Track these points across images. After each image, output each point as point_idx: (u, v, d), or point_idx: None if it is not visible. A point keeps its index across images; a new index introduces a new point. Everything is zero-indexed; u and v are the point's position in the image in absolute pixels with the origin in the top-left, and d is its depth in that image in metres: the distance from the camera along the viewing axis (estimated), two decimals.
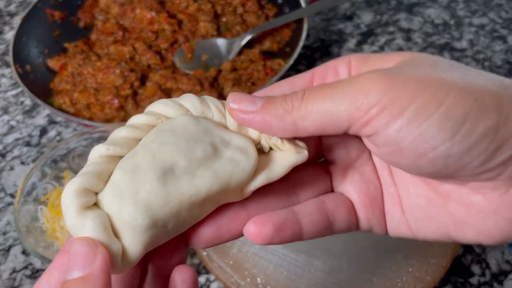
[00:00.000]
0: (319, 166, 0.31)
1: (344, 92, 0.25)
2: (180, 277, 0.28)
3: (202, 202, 0.26)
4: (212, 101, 0.28)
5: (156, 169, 0.25)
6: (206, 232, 0.27)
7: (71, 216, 0.24)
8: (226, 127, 0.28)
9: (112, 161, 0.26)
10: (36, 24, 0.73)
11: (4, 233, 0.58)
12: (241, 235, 0.28)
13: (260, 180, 0.27)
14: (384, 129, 0.24)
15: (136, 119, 0.28)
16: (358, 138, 0.30)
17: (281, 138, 0.27)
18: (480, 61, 0.73)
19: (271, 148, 0.28)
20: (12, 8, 0.87)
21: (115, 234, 0.25)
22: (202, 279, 0.53)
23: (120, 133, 0.27)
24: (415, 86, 0.24)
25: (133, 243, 0.25)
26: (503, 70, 0.72)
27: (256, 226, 0.27)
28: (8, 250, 0.56)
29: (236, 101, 0.27)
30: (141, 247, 0.25)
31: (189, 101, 0.28)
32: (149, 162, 0.25)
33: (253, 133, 0.28)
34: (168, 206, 0.25)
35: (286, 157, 0.28)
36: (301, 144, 0.28)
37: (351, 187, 0.30)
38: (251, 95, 0.27)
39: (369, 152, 0.30)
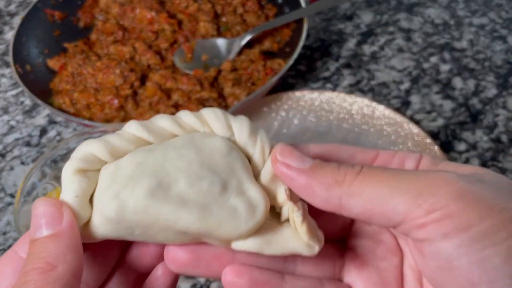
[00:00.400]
0: (335, 246, 0.28)
1: (408, 183, 0.22)
2: (162, 269, 0.28)
3: (178, 231, 0.25)
4: (262, 139, 0.26)
5: (154, 178, 0.24)
6: (182, 257, 0.26)
7: (65, 171, 0.25)
8: (257, 174, 0.26)
9: (137, 143, 0.26)
10: (36, 24, 0.73)
11: (4, 233, 0.58)
12: (217, 277, 0.26)
13: (250, 246, 0.25)
14: (440, 239, 0.21)
15: (185, 116, 0.27)
16: (395, 240, 0.27)
17: (304, 219, 0.24)
18: (480, 61, 0.73)
19: (288, 220, 0.26)
20: (12, 8, 0.87)
21: (93, 203, 0.25)
22: (202, 279, 0.53)
23: (162, 121, 0.27)
24: (490, 204, 0.21)
25: (99, 223, 0.25)
26: (503, 70, 0.72)
27: (233, 274, 0.25)
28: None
29: (283, 154, 0.24)
30: (103, 231, 0.25)
31: (239, 126, 0.26)
32: (155, 166, 0.25)
33: (281, 195, 0.25)
34: (140, 216, 0.24)
35: (293, 240, 0.25)
36: (320, 235, 0.25)
37: (363, 284, 0.27)
38: (301, 154, 0.24)
39: (401, 259, 0.27)
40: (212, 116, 0.26)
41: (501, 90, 0.70)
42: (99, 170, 0.26)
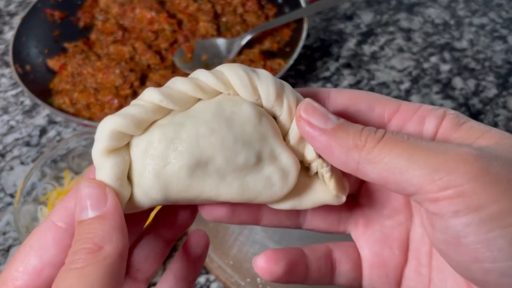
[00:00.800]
0: (346, 201, 0.29)
1: (426, 158, 0.22)
2: (194, 238, 0.30)
3: (220, 202, 0.27)
4: (288, 97, 0.26)
5: (192, 156, 0.25)
6: (219, 212, 0.28)
7: (97, 153, 0.25)
8: (285, 133, 0.26)
9: (160, 112, 0.26)
10: (36, 24, 0.73)
11: (4, 233, 0.58)
12: (243, 223, 0.28)
13: (285, 205, 0.27)
14: (450, 216, 0.21)
15: (203, 76, 0.26)
16: (406, 200, 0.28)
17: (332, 173, 0.26)
18: (480, 61, 0.73)
19: (316, 173, 0.27)
20: (12, 8, 0.87)
21: (130, 178, 0.25)
22: (202, 279, 0.53)
23: (182, 86, 0.26)
24: (504, 187, 0.21)
25: (141, 199, 0.26)
26: (503, 70, 0.72)
27: (269, 263, 0.27)
28: (8, 250, 0.56)
29: (308, 111, 0.25)
30: (148, 205, 0.26)
31: (265, 88, 0.26)
32: (191, 144, 0.25)
33: (310, 153, 0.26)
34: (184, 194, 0.25)
35: (322, 192, 0.26)
36: (345, 184, 0.27)
37: (365, 241, 0.28)
38: (326, 111, 0.25)
39: (409, 218, 0.28)
40: (235, 79, 0.26)
41: (501, 90, 0.69)
42: (127, 144, 0.26)
